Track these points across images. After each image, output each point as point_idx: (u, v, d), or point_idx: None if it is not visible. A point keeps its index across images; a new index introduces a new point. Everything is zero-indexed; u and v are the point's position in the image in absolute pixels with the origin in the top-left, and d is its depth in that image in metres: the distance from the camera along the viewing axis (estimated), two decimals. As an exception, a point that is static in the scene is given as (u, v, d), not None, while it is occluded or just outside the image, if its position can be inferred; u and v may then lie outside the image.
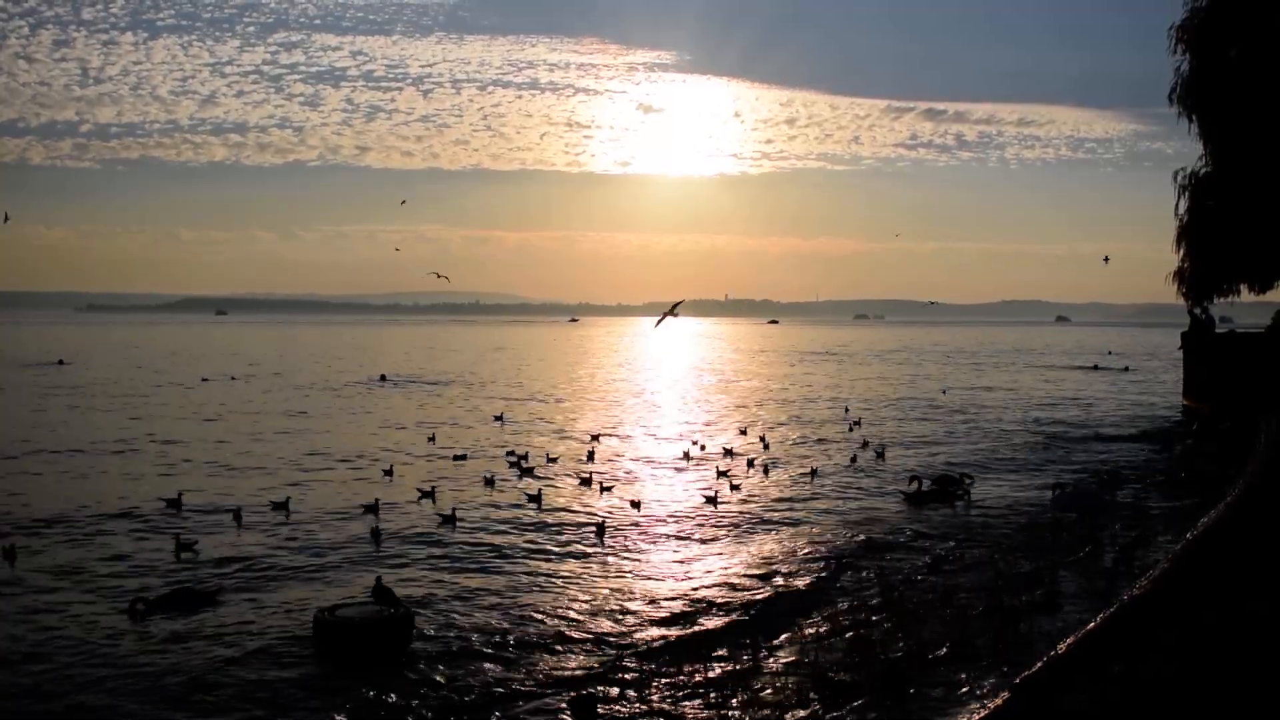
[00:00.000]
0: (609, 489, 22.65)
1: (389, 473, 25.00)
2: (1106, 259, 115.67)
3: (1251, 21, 35.27)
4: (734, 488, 22.88)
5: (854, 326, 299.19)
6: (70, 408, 41.63)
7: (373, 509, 20.00)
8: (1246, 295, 40.02)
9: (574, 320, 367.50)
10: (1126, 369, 73.82)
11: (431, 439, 31.88)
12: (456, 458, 27.43)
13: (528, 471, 24.71)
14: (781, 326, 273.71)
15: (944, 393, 53.04)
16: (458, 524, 19.08)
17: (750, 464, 26.25)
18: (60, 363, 70.59)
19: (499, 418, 37.83)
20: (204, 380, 55.37)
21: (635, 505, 20.89)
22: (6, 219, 47.82)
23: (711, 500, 21.43)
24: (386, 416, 39.74)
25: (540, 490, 21.65)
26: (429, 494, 21.71)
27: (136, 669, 11.41)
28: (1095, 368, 76.25)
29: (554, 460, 26.81)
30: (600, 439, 31.92)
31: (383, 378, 58.98)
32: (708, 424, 37.56)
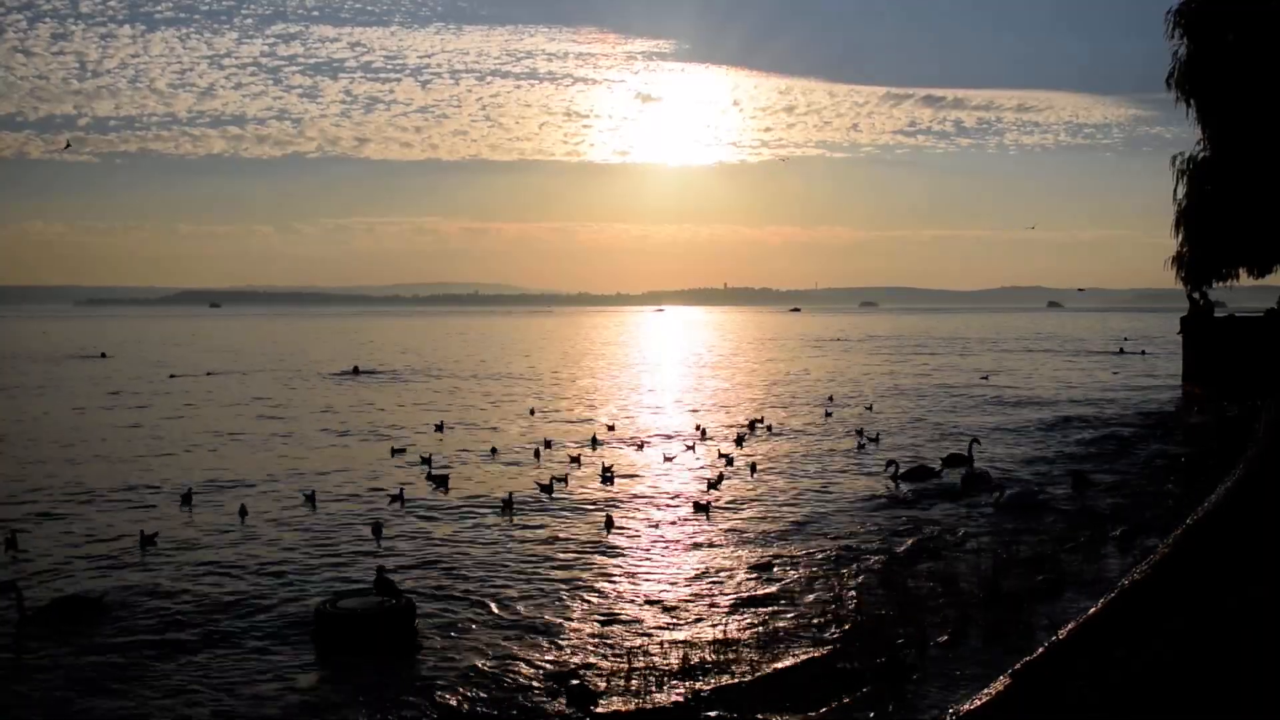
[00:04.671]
0: (614, 480, 22.64)
1: (425, 461, 25.06)
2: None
3: (1248, 5, 35.22)
4: (720, 480, 22.78)
5: (861, 314, 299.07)
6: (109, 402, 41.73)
7: (399, 498, 20.23)
8: (1245, 279, 40.09)
9: (660, 310, 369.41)
10: (1144, 353, 74.22)
11: (439, 428, 31.98)
12: (394, 451, 27.25)
13: (441, 481, 22.41)
14: (789, 315, 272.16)
15: (985, 378, 53.52)
16: (459, 515, 19.13)
17: (729, 463, 25.09)
18: (103, 355, 74.01)
19: (531, 411, 37.53)
20: (172, 377, 54.56)
21: (692, 505, 19.95)
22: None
23: (714, 485, 21.56)
24: (342, 410, 39.69)
25: (551, 480, 21.68)
26: (442, 481, 22.04)
27: (136, 661, 11.45)
28: (1120, 351, 77.13)
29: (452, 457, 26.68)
30: (615, 427, 31.96)
31: (355, 370, 58.99)
32: (713, 411, 37.54)
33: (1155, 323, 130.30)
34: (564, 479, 22.19)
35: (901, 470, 22.78)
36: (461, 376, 57.10)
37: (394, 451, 27.16)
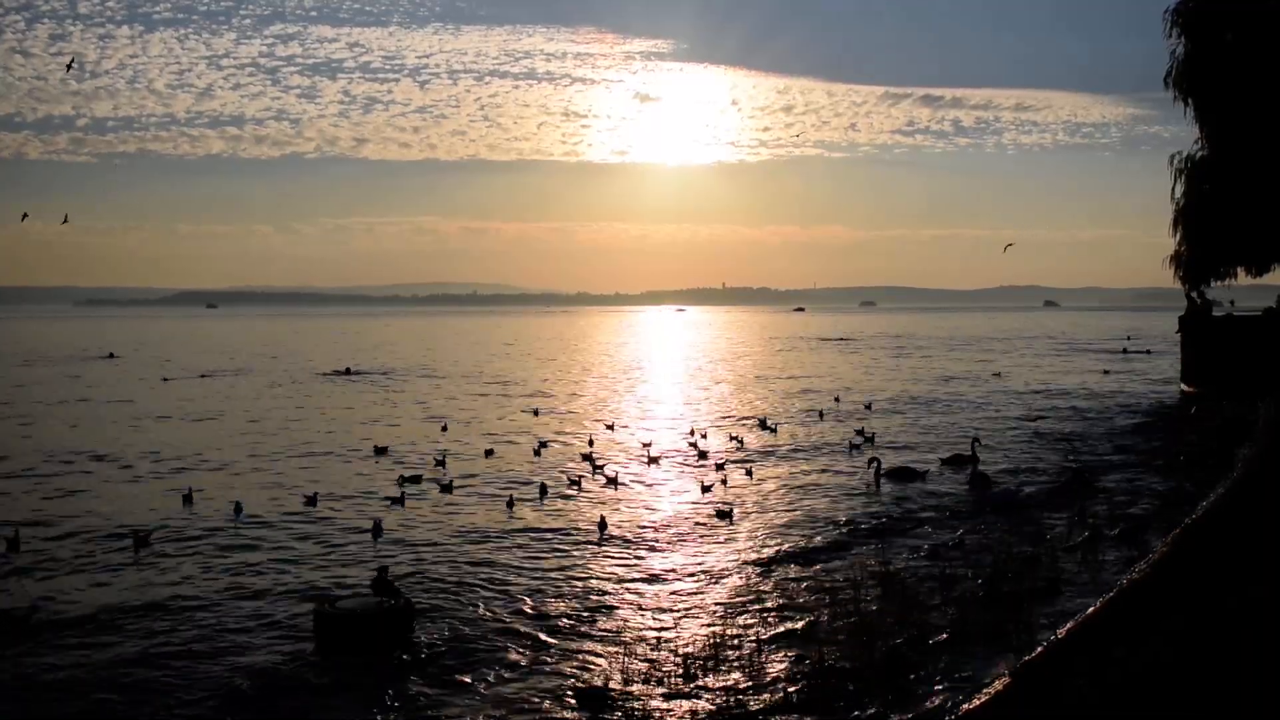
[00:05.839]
0: (612, 482, 22.61)
1: (439, 463, 24.87)
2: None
3: (1247, 5, 35.24)
4: (723, 482, 22.62)
5: (862, 313, 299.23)
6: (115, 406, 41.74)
7: (399, 501, 20.18)
8: (1243, 278, 40.13)
9: (681, 310, 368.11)
10: (1149, 352, 74.20)
11: (444, 428, 32.06)
12: (378, 451, 27.14)
13: (446, 487, 21.85)
14: (794, 315, 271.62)
15: (997, 375, 54.16)
16: (459, 517, 19.14)
17: (720, 467, 24.42)
18: (110, 356, 74.78)
19: (535, 411, 37.56)
20: (164, 380, 54.27)
21: (611, 480, 20.76)
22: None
23: (706, 490, 21.47)
24: (332, 411, 39.72)
25: (543, 486, 21.65)
26: (447, 483, 22.06)
27: (135, 660, 11.44)
28: (1124, 351, 77.23)
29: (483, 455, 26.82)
30: (614, 427, 31.96)
31: (347, 370, 59.00)
32: (714, 411, 37.54)
33: (1155, 322, 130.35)
34: (578, 481, 22.16)
35: (884, 469, 22.79)
36: (457, 378, 57.06)
37: (377, 451, 27.06)
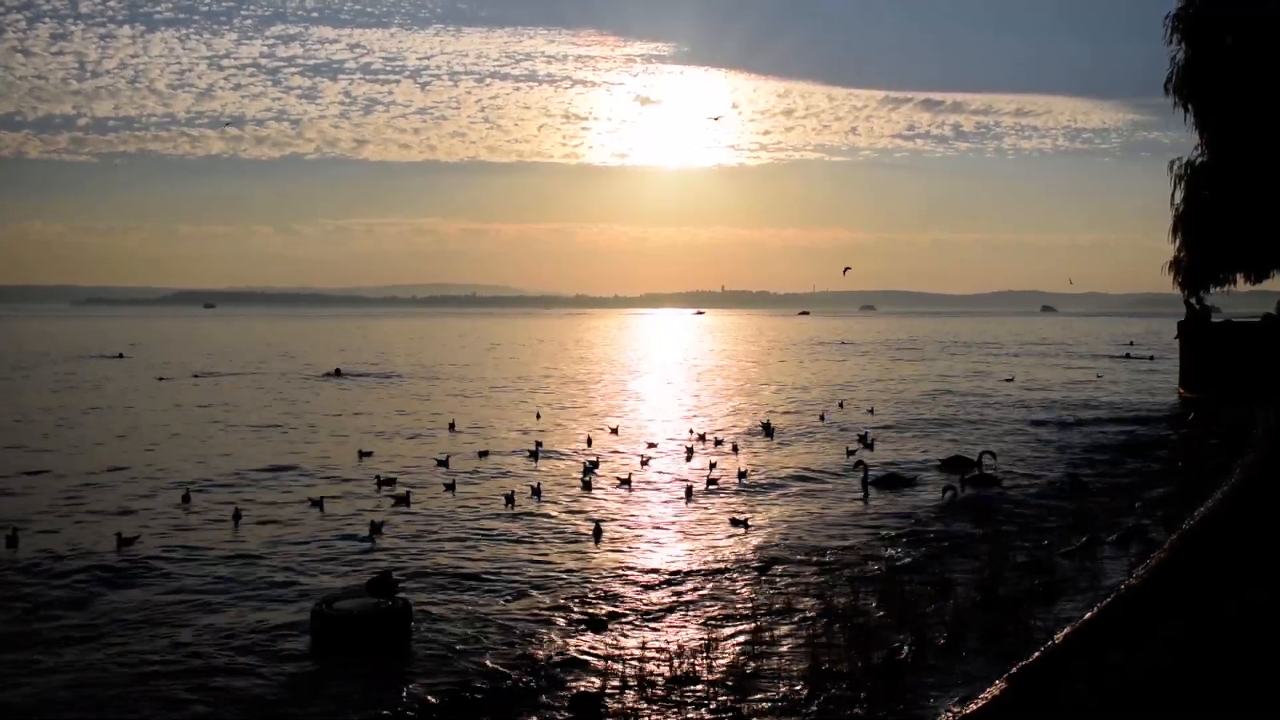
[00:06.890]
0: (625, 483, 22.50)
1: (442, 463, 24.89)
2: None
3: (1247, 10, 35.30)
4: (714, 483, 22.56)
5: (863, 317, 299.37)
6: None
7: (404, 500, 20.21)
8: (1242, 285, 40.22)
9: (700, 313, 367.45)
10: (1152, 358, 74.06)
11: (451, 426, 32.05)
12: (361, 455, 26.95)
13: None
14: (798, 319, 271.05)
15: (1010, 380, 54.55)
16: (457, 517, 19.12)
17: (713, 466, 24.30)
18: (120, 355, 75.27)
19: (538, 415, 37.35)
20: (160, 380, 54.21)
21: (623, 481, 21.71)
22: None
23: (688, 497, 21.33)
24: (328, 413, 39.72)
25: (539, 484, 21.65)
26: (449, 484, 22.05)
27: (130, 659, 11.42)
28: (1128, 356, 77.45)
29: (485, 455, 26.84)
30: (619, 430, 31.96)
31: (337, 372, 59.12)
32: (715, 415, 37.52)
33: (1154, 327, 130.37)
34: (587, 484, 22.16)
35: (884, 474, 22.79)
36: (457, 380, 57.04)
37: (361, 455, 26.90)
